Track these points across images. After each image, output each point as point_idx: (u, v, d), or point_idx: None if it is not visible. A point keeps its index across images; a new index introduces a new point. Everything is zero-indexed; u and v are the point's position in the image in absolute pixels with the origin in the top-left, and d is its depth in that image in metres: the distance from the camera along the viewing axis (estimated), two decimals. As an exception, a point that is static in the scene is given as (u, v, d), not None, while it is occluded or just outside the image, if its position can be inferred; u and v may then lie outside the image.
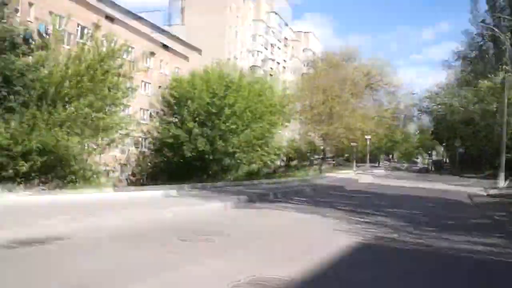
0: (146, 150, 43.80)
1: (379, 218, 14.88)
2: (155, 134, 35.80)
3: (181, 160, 33.50)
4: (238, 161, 34.10)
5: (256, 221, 13.27)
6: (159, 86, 50.79)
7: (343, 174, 41.42)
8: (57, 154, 21.19)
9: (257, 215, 14.43)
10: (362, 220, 14.11)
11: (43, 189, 11.96)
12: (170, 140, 32.48)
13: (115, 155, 34.62)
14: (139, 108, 38.95)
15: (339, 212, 15.70)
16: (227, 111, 31.43)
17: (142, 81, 38.54)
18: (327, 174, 38.28)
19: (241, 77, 35.31)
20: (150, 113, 46.11)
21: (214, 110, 31.79)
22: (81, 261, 6.95)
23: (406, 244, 10.30)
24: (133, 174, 42.35)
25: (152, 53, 37.08)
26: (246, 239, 9.93)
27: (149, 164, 40.52)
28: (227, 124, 31.47)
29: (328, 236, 10.78)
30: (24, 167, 19.86)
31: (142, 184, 34.28)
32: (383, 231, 11.98)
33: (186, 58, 60.59)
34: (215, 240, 9.19)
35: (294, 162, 59.59)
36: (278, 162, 52.05)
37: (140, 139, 41.02)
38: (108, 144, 26.25)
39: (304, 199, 18.98)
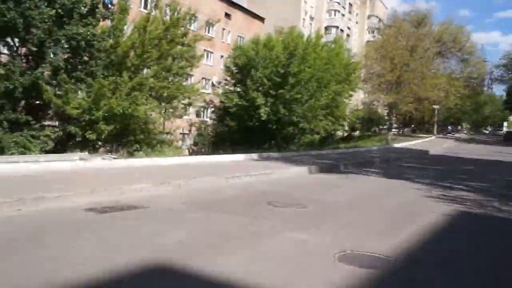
0: (207, 119, 44.18)
1: (472, 184, 14.00)
2: (218, 103, 35.75)
3: (243, 130, 33.46)
4: (302, 130, 33.58)
5: (343, 188, 12.37)
6: (221, 56, 50.75)
7: (412, 144, 39.67)
8: (124, 123, 21.57)
9: (341, 183, 13.53)
10: (453, 186, 13.24)
11: (114, 158, 11.99)
12: (233, 110, 32.36)
13: (178, 125, 34.99)
14: (201, 78, 38.96)
15: (423, 180, 14.77)
16: (291, 80, 30.82)
17: (205, 50, 38.42)
18: (395, 145, 36.78)
19: (307, 45, 34.31)
20: (212, 83, 46.26)
21: (278, 79, 31.26)
22: (166, 229, 6.45)
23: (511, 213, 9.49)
24: (195, 143, 42.96)
25: (215, 21, 36.58)
26: (337, 206, 9.28)
27: (210, 133, 40.89)
28: (291, 93, 30.89)
29: (423, 204, 10.06)
30: (92, 135, 20.33)
31: (204, 154, 34.56)
32: (479, 199, 11.14)
33: (249, 26, 59.96)
34: (307, 206, 8.69)
35: (356, 133, 58.16)
36: (340, 132, 50.99)
37: (202, 108, 41.22)
38: (172, 113, 26.53)
39: (377, 170, 17.78)
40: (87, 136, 20.31)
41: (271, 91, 31.30)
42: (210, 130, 41.05)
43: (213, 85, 44.60)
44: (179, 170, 13.02)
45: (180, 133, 39.71)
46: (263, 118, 30.49)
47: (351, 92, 41.30)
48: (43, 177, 9.69)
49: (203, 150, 39.94)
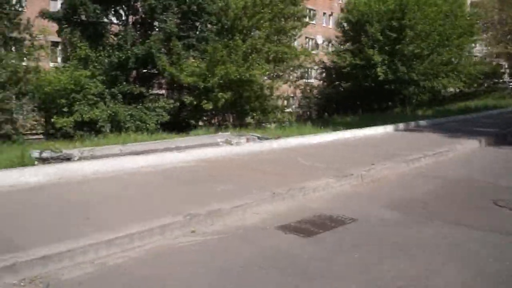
0: (312, 81, 41.94)
1: None
2: (328, 63, 33.34)
3: (357, 91, 30.99)
4: (422, 90, 30.46)
5: None
6: (324, 13, 47.83)
7: None
8: (239, 89, 20.18)
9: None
10: None
11: (258, 138, 10.55)
12: (346, 70, 29.86)
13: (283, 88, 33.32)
14: (305, 38, 36.66)
15: None
16: (409, 32, 27.65)
17: (308, 9, 36.04)
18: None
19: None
20: (316, 42, 43.75)
21: (393, 34, 28.20)
22: (434, 267, 4.67)
23: None
24: (300, 106, 41.00)
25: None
26: None
27: (316, 96, 38.69)
28: (410, 48, 27.80)
29: None
30: (208, 104, 19.16)
31: (309, 117, 32.63)
32: None
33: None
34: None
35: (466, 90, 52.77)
36: (452, 89, 46.52)
37: (307, 69, 39.08)
38: (282, 77, 24.86)
39: None
40: (203, 106, 19.14)
41: (386, 48, 28.36)
42: (316, 92, 38.85)
43: (316, 44, 42.12)
44: (338, 151, 11.35)
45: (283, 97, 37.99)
46: (380, 78, 27.76)
47: (472, 45, 37.02)
48: (196, 171, 8.27)
49: (308, 113, 38.01)
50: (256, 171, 8.43)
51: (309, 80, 42.35)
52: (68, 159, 7.02)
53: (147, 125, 18.48)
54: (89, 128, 17.90)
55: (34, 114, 17.80)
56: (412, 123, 17.57)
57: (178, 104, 19.86)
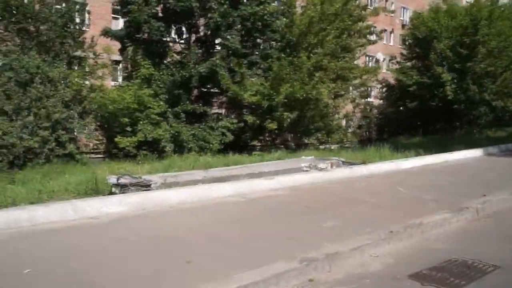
0: (372, 100, 40.59)
1: None
2: (391, 81, 32.02)
3: (420, 111, 29.48)
4: (494, 110, 28.59)
5: None
6: (384, 30, 46.46)
7: None
8: (303, 109, 19.31)
9: None
10: None
11: (342, 161, 9.46)
12: (412, 88, 28.42)
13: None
14: (365, 55, 35.35)
15: None
16: (481, 49, 26.03)
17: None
18: None
19: (491, 8, 28.94)
20: (376, 59, 42.36)
21: (464, 51, 26.62)
22: None
23: None
24: (359, 127, 39.65)
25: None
26: None
27: (376, 116, 37.30)
28: (482, 66, 26.17)
29: None
30: (272, 124, 18.36)
31: (369, 138, 31.28)
32: None
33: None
34: None
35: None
36: None
37: (367, 88, 37.83)
38: (345, 95, 23.88)
39: None
40: (267, 126, 18.33)
41: (456, 65, 26.80)
42: (375, 112, 37.47)
43: (377, 61, 40.71)
44: (435, 178, 10.28)
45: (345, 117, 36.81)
46: (449, 97, 26.19)
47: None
48: (290, 202, 7.32)
49: (366, 133, 36.64)
50: (358, 203, 7.44)
51: (368, 99, 41.11)
52: (147, 185, 6.29)
53: (211, 145, 17.84)
54: (151, 148, 17.43)
55: (97, 133, 17.47)
56: (503, 147, 16.01)
57: (242, 124, 19.09)
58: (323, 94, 18.62)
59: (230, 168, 7.39)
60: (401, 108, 32.15)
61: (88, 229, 5.36)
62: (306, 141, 21.82)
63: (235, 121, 19.07)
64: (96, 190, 6.70)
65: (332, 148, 20.69)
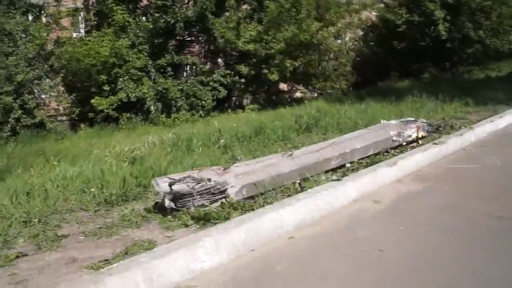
0: (349, 41, 38.40)
1: None
2: (375, 20, 29.75)
3: (409, 52, 27.56)
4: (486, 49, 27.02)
5: None
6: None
7: None
8: (306, 55, 17.00)
9: None
10: None
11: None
12: (401, 28, 26.31)
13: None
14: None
15: None
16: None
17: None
18: None
19: None
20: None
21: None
22: None
23: None
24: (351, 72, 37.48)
25: None
26: None
27: (357, 58, 35.25)
28: (477, 0, 24.28)
29: None
30: (274, 75, 16.03)
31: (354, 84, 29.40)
32: None
33: None
34: None
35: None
36: None
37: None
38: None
39: None
40: (270, 76, 15.97)
41: (450, 1, 24.78)
42: (355, 53, 35.33)
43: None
44: None
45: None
46: (443, 37, 24.30)
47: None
48: (445, 206, 4.65)
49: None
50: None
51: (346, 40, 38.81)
52: (222, 191, 3.98)
53: (203, 102, 15.45)
54: (134, 110, 14.94)
55: (72, 95, 14.68)
56: None
57: (237, 77, 16.59)
58: (327, 37, 16.34)
59: (317, 147, 5.12)
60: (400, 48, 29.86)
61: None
62: (299, 93, 19.71)
63: (227, 72, 16.59)
64: (125, 198, 4.34)
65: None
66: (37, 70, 13.19)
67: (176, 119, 14.79)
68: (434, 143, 6.08)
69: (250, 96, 17.69)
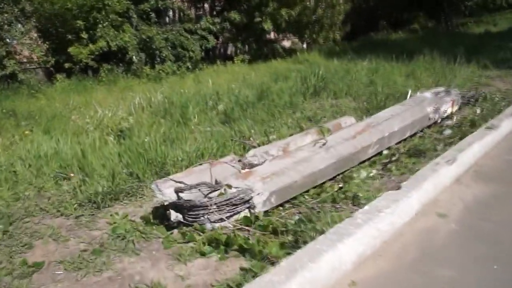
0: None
1: None
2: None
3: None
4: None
5: None
6: None
7: None
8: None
9: None
10: None
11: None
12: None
13: None
14: None
15: None
16: None
17: None
18: None
19: None
20: None
21: None
22: None
23: None
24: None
25: None
26: None
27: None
28: None
29: None
30: (267, 23, 14.91)
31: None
32: None
33: None
34: None
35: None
36: None
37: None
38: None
39: None
40: (264, 25, 14.76)
41: None
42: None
43: None
44: None
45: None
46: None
47: None
48: None
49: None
50: None
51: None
52: (246, 201, 3.04)
53: (190, 53, 14.27)
54: (114, 60, 13.70)
55: (46, 43, 13.31)
56: None
57: (228, 25, 15.32)
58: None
59: (352, 131, 4.16)
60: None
61: None
62: (287, 41, 18.57)
63: (216, 20, 15.33)
64: (115, 196, 3.38)
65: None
66: (6, 14, 11.81)
67: (160, 71, 13.66)
68: (488, 127, 5.11)
69: (240, 46, 16.47)
